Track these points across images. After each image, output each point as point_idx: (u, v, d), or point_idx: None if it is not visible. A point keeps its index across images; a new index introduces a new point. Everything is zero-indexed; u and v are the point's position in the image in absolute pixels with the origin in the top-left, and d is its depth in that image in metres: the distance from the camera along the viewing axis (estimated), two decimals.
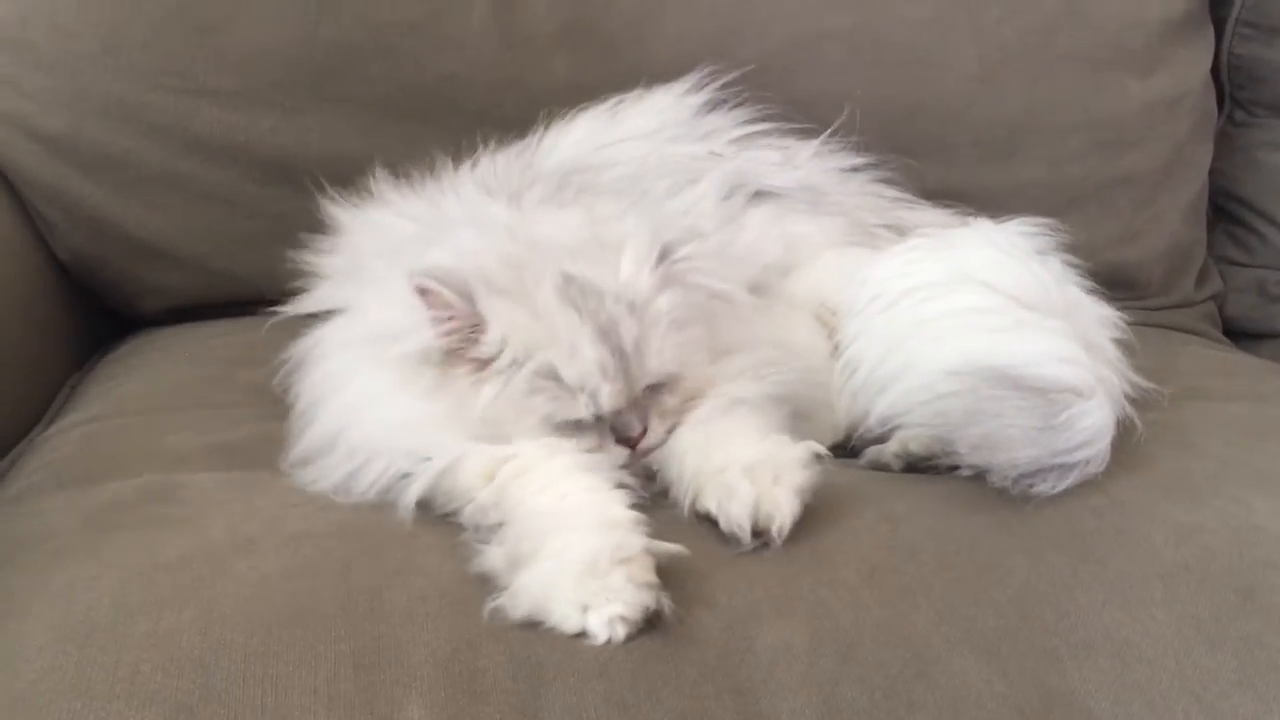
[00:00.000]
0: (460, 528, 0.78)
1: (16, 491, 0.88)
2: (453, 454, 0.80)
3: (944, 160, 1.26)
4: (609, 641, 0.68)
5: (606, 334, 0.80)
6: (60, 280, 1.21)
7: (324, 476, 0.83)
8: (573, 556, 0.71)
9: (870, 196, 1.11)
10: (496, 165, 1.03)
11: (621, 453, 0.82)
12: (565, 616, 0.69)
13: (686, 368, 0.84)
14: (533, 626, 0.70)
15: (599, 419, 0.81)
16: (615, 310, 0.81)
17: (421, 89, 1.21)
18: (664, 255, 0.84)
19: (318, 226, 1.19)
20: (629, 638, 0.69)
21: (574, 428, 0.81)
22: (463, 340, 0.81)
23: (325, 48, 1.18)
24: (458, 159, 1.05)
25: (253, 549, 0.75)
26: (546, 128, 1.09)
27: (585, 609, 0.69)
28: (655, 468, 0.83)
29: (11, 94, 1.16)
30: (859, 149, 1.13)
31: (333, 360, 0.88)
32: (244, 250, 1.21)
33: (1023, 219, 0.96)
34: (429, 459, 0.80)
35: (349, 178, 1.18)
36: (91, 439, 0.95)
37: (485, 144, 1.07)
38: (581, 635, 0.69)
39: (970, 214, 1.07)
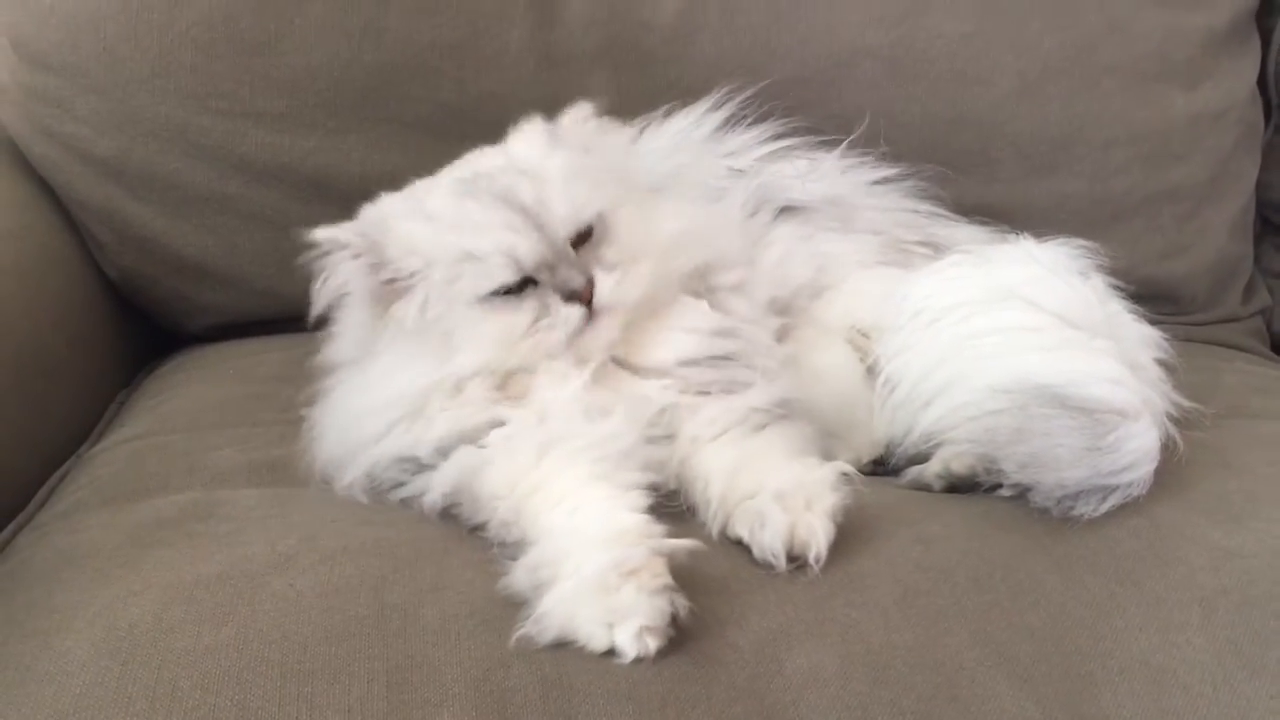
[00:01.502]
0: (490, 543, 0.79)
1: (64, 507, 0.90)
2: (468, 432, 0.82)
3: (986, 175, 1.25)
4: (639, 656, 0.69)
5: (504, 199, 0.83)
6: (109, 298, 1.24)
7: (348, 480, 0.86)
8: (585, 575, 0.71)
9: (905, 212, 1.10)
10: None
11: (574, 311, 0.82)
12: (592, 635, 0.70)
13: (611, 213, 0.85)
14: (564, 647, 0.70)
15: (537, 284, 0.82)
16: (507, 179, 0.84)
17: (461, 109, 1.22)
18: (551, 133, 0.89)
19: None
20: (662, 652, 0.69)
21: (513, 301, 0.82)
22: (373, 272, 0.84)
23: (368, 70, 1.20)
24: None
25: (290, 566, 0.76)
26: None
27: (611, 626, 0.70)
28: (675, 485, 0.83)
29: (64, 117, 1.19)
30: (890, 160, 1.13)
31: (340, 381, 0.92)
32: (288, 268, 1.21)
33: (1064, 239, 0.95)
34: (408, 409, 0.83)
35: None
36: (136, 456, 0.97)
37: None
38: (611, 653, 0.69)
39: (1007, 230, 1.06)
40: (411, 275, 0.84)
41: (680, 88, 1.23)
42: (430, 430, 0.83)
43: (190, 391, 1.10)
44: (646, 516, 0.75)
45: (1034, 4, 1.25)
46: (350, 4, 1.20)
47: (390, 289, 0.85)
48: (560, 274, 0.82)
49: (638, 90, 1.23)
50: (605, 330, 0.83)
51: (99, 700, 0.66)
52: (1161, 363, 0.93)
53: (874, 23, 1.25)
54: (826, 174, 1.09)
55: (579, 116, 0.92)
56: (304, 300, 1.23)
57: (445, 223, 0.83)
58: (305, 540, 0.79)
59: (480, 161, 0.90)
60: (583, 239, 0.84)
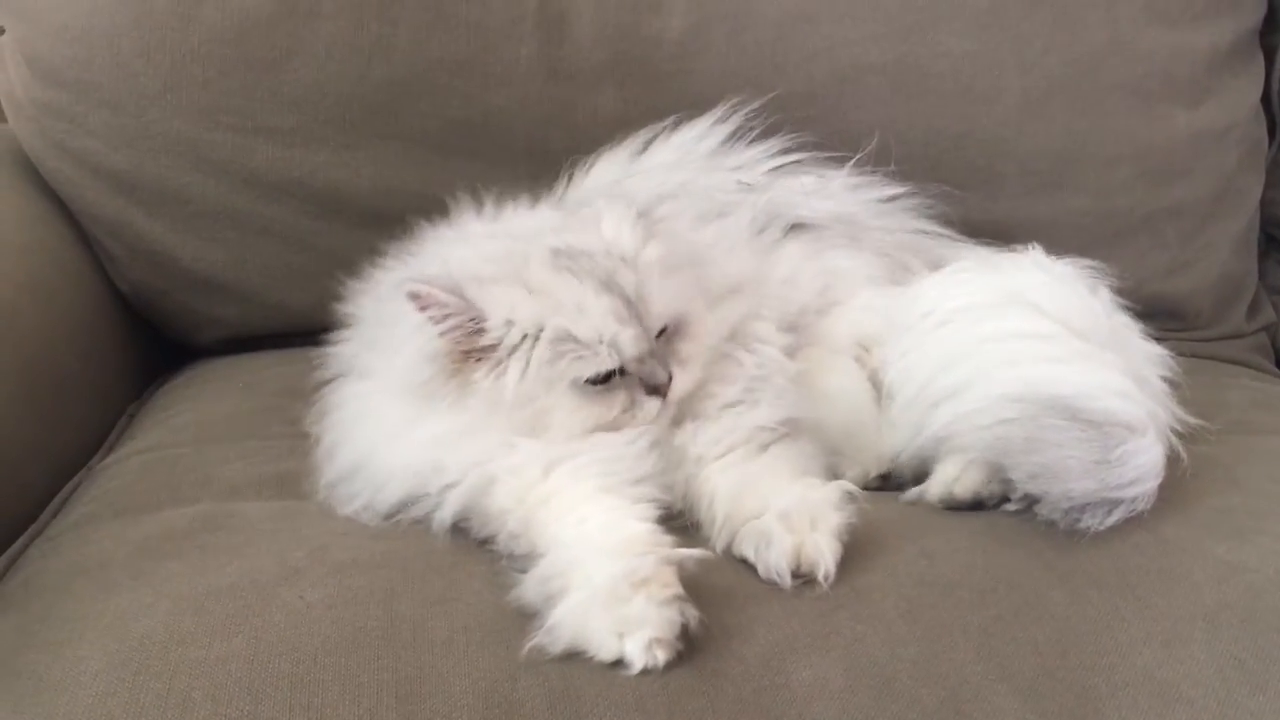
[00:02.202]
0: (499, 555, 0.79)
1: (75, 519, 0.91)
2: (483, 465, 0.82)
3: (990, 192, 1.26)
4: (647, 667, 0.69)
5: (608, 286, 0.82)
6: (120, 311, 1.25)
7: (351, 501, 0.86)
8: (596, 585, 0.72)
9: (911, 234, 1.11)
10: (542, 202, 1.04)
11: (655, 405, 0.84)
12: (602, 644, 0.70)
13: (690, 310, 0.86)
14: (571, 658, 0.70)
15: (624, 373, 0.83)
16: (609, 264, 0.83)
17: (470, 124, 1.23)
18: (642, 214, 0.87)
19: (369, 262, 1.23)
20: (669, 664, 0.69)
21: (604, 390, 0.83)
22: (466, 336, 0.82)
23: (377, 86, 1.21)
24: (505, 194, 1.07)
25: (300, 578, 0.77)
26: (588, 166, 1.11)
27: (621, 635, 0.70)
28: (681, 506, 0.84)
29: (77, 132, 1.20)
30: (897, 178, 1.14)
31: (356, 401, 0.90)
32: (298, 283, 1.24)
33: (1070, 258, 0.96)
34: (452, 475, 0.82)
35: (399, 212, 1.21)
36: (147, 468, 0.97)
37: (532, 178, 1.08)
38: (620, 663, 0.70)
39: (1014, 250, 1.07)
40: (508, 347, 0.82)
41: (687, 103, 1.24)
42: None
43: (200, 404, 1.11)
44: (655, 526, 0.76)
45: (1038, 22, 1.26)
46: (360, 21, 1.21)
47: (477, 353, 0.83)
48: (647, 367, 0.83)
49: (645, 106, 1.24)
50: (666, 415, 0.85)
51: (111, 710, 0.67)
52: (1165, 379, 0.94)
53: (879, 40, 1.26)
54: (835, 192, 1.10)
55: (667, 209, 0.92)
56: (312, 314, 1.25)
57: (550, 299, 0.82)
58: (315, 552, 0.80)
59: (570, 237, 0.86)
60: (666, 333, 0.86)
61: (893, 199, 1.13)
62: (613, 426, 0.84)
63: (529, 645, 0.71)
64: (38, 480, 0.99)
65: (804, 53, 1.26)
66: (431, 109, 1.23)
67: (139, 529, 0.86)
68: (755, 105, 1.15)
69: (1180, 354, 1.10)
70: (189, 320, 1.27)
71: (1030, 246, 0.97)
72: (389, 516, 0.84)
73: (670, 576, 0.71)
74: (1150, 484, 0.82)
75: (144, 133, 1.19)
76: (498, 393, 0.82)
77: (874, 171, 1.13)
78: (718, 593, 0.74)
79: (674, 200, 0.91)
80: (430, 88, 1.22)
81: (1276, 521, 0.82)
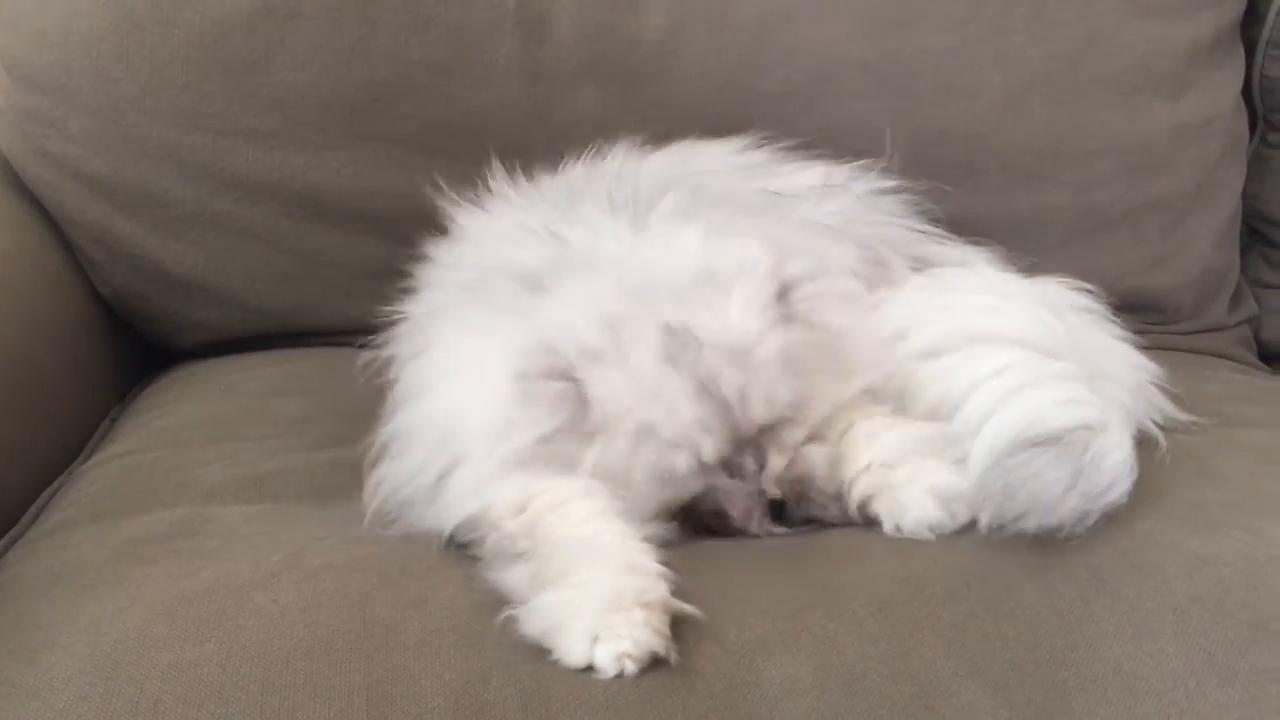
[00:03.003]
0: (475, 559, 0.79)
1: (53, 524, 0.91)
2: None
3: (971, 187, 1.26)
4: (617, 676, 0.69)
5: (705, 388, 0.80)
6: (102, 315, 1.25)
7: (397, 466, 0.85)
8: (598, 589, 0.72)
9: (897, 229, 1.11)
10: (614, 173, 1.02)
11: (740, 487, 0.83)
12: (573, 645, 0.70)
13: (806, 406, 0.84)
14: (543, 660, 0.71)
15: (707, 467, 0.82)
16: (715, 362, 0.81)
17: (450, 125, 1.23)
18: (782, 294, 0.84)
19: (351, 263, 1.23)
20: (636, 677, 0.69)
21: (678, 479, 0.82)
22: (570, 419, 0.81)
23: (357, 87, 1.21)
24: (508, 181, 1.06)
25: (275, 582, 0.77)
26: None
27: (595, 640, 0.70)
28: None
29: (57, 137, 1.20)
30: (885, 176, 1.14)
31: (460, 380, 0.86)
32: (279, 285, 1.24)
33: (1061, 279, 0.99)
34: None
35: (380, 213, 1.22)
36: (126, 472, 0.98)
37: (516, 176, 1.08)
38: (588, 669, 0.70)
39: (999, 250, 1.08)
40: (598, 424, 0.81)
41: (667, 102, 1.25)
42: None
43: (181, 408, 1.11)
44: (662, 568, 0.76)
45: (1017, 17, 1.25)
46: (339, 23, 1.21)
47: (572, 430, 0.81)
48: (735, 460, 0.82)
49: (625, 105, 1.24)
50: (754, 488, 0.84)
51: (82, 715, 0.67)
52: (1137, 368, 0.94)
53: (859, 37, 1.26)
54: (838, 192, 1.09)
55: (816, 289, 0.87)
56: (293, 316, 1.25)
57: (644, 389, 0.80)
58: (291, 556, 0.80)
59: (688, 314, 0.82)
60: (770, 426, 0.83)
61: (881, 193, 1.12)
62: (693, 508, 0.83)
63: (504, 616, 0.71)
64: (18, 485, 0.99)
65: (783, 51, 1.26)
66: (412, 110, 1.23)
67: (117, 533, 0.86)
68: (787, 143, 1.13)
69: (1162, 347, 1.12)
70: (171, 324, 1.27)
71: (983, 252, 0.99)
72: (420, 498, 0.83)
73: (667, 618, 0.72)
74: (1125, 484, 0.82)
75: (124, 137, 1.19)
76: (577, 460, 0.81)
77: (869, 168, 1.13)
78: (692, 594, 0.74)
79: (822, 278, 0.87)
80: (410, 89, 1.22)
81: (1248, 514, 0.83)
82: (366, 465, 0.88)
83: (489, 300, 0.88)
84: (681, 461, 0.81)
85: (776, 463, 0.83)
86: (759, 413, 0.82)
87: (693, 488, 0.83)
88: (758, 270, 0.84)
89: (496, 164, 1.03)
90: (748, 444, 0.83)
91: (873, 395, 0.88)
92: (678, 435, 0.81)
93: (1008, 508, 0.79)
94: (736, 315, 0.83)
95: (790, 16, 1.25)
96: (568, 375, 0.81)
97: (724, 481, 0.83)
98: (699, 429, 0.81)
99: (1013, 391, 0.85)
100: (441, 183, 1.03)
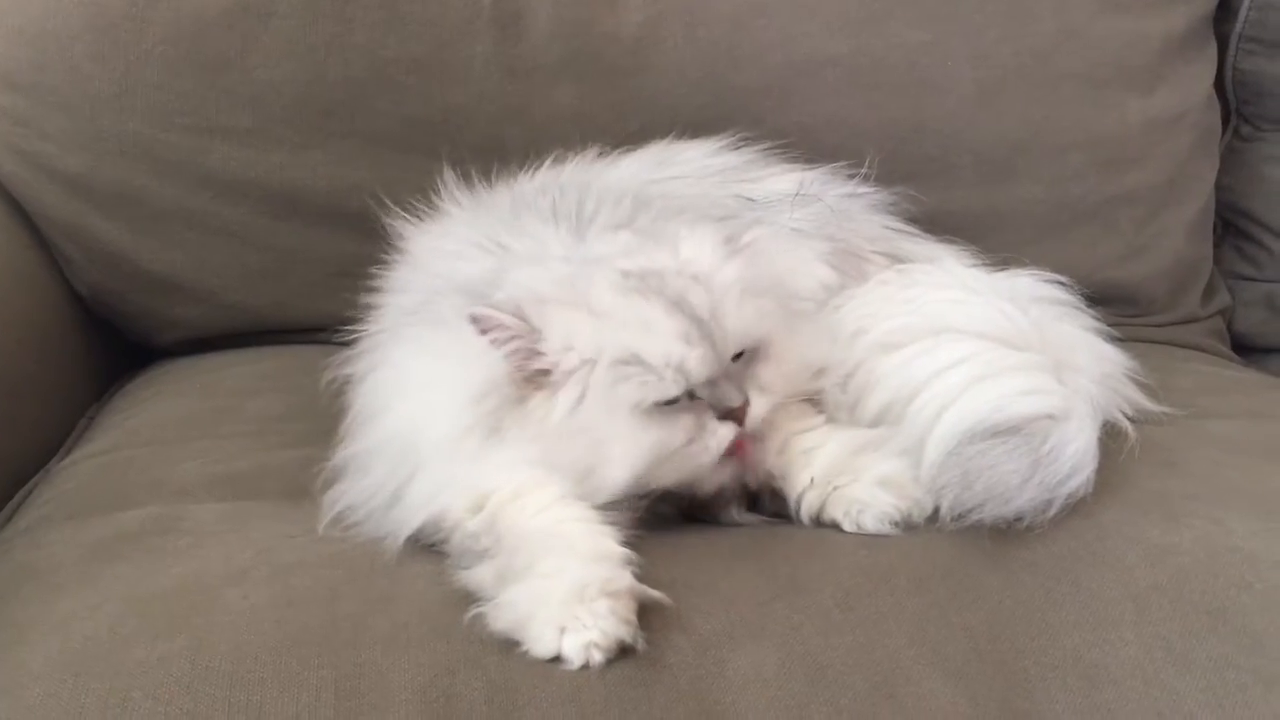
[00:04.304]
0: (444, 555, 0.80)
1: (27, 523, 0.91)
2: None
3: (945, 182, 1.26)
4: (584, 666, 0.70)
5: (678, 305, 0.79)
6: (78, 314, 1.25)
7: (356, 486, 0.84)
8: (563, 580, 0.72)
9: (867, 226, 1.11)
10: (561, 184, 1.02)
11: (728, 431, 0.80)
12: (540, 637, 0.71)
13: (772, 333, 0.83)
14: (511, 653, 0.71)
15: (693, 396, 0.79)
16: (681, 283, 0.80)
17: (427, 122, 1.23)
18: (729, 239, 0.84)
19: (327, 261, 1.24)
20: (603, 667, 0.70)
21: (670, 414, 0.79)
22: (526, 358, 0.79)
23: (333, 85, 1.22)
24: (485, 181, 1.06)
25: (245, 579, 0.78)
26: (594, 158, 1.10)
27: (563, 631, 0.71)
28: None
29: (32, 135, 1.20)
30: (865, 177, 1.14)
31: (415, 399, 0.85)
32: (255, 283, 1.25)
33: (1035, 272, 1.00)
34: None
35: (357, 210, 1.22)
36: (101, 471, 0.98)
37: (494, 175, 1.08)
38: (556, 660, 0.71)
39: (973, 248, 1.09)
40: (566, 371, 0.79)
41: (644, 98, 1.25)
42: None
43: (157, 406, 1.12)
44: (628, 552, 0.76)
45: (990, 12, 1.26)
46: (314, 20, 1.21)
47: (533, 379, 0.80)
48: (719, 390, 0.79)
49: (602, 102, 1.25)
50: (746, 453, 0.82)
51: (52, 712, 0.68)
52: (1105, 359, 0.95)
53: (834, 32, 1.26)
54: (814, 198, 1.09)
55: (757, 234, 0.89)
56: (270, 314, 1.26)
57: (613, 320, 0.79)
58: (262, 554, 0.81)
59: (643, 259, 0.83)
60: (739, 355, 0.82)
61: (852, 198, 1.13)
62: (681, 458, 0.80)
63: (472, 614, 0.71)
64: None
65: (759, 46, 1.26)
66: (388, 107, 1.23)
67: (90, 531, 0.86)
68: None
69: (1135, 340, 1.13)
70: (148, 322, 1.27)
71: (956, 249, 1.00)
72: (378, 509, 0.83)
73: (634, 605, 0.72)
74: (1086, 472, 0.83)
75: (99, 135, 1.20)
76: (543, 424, 0.79)
77: (848, 172, 1.13)
78: (658, 585, 0.74)
79: (760, 225, 0.87)
80: (386, 86, 1.23)
81: (1210, 504, 0.83)
82: (320, 487, 0.87)
83: (435, 320, 0.87)
84: (670, 382, 0.78)
85: (759, 401, 0.81)
86: (733, 329, 0.80)
87: (685, 433, 0.79)
88: (701, 224, 0.85)
89: (448, 174, 1.04)
90: (725, 374, 0.80)
91: (816, 403, 0.88)
92: (661, 351, 0.78)
93: (965, 497, 0.80)
94: (690, 251, 0.83)
95: (766, 12, 1.26)
96: (516, 311, 0.79)
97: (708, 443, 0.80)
98: (682, 341, 0.78)
99: (972, 382, 0.86)
100: (385, 198, 1.03)
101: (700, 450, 0.80)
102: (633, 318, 0.79)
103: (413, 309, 0.92)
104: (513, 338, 0.79)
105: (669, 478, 0.81)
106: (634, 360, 0.78)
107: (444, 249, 0.96)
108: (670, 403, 0.79)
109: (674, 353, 0.78)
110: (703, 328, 0.79)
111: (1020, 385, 0.85)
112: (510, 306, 0.80)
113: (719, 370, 0.80)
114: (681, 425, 0.80)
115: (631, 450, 0.79)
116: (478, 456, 0.81)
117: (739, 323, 0.81)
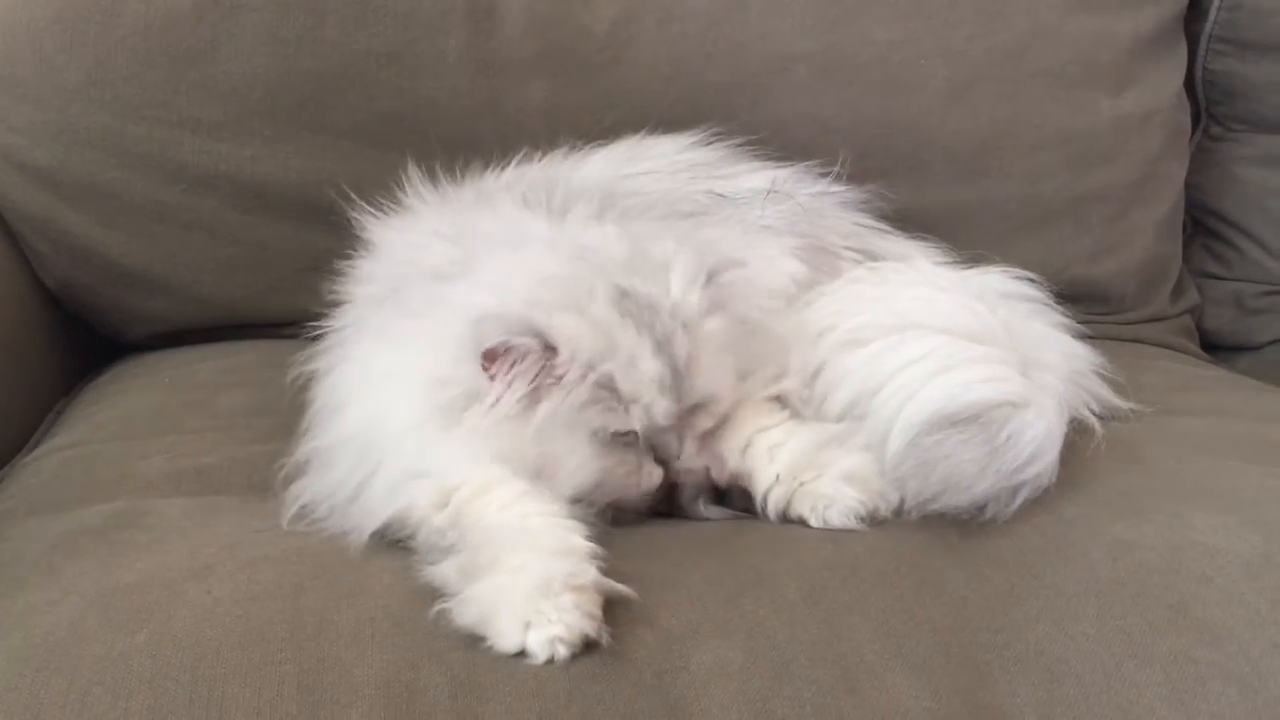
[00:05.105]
0: (410, 551, 0.80)
1: None
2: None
3: (917, 179, 1.27)
4: (549, 661, 0.70)
5: (663, 348, 0.81)
6: (48, 308, 1.24)
7: (319, 482, 0.84)
8: (527, 575, 0.72)
9: (840, 221, 1.11)
10: (528, 179, 1.03)
11: (659, 474, 0.83)
12: (505, 632, 0.71)
13: (726, 391, 0.85)
14: (474, 647, 0.71)
15: (641, 437, 0.82)
16: (670, 326, 0.82)
17: (399, 116, 1.23)
18: (711, 277, 0.85)
19: (298, 254, 1.23)
20: (567, 661, 0.70)
21: (618, 443, 0.82)
22: (543, 377, 0.80)
23: (304, 78, 1.21)
24: (454, 177, 1.06)
25: (209, 573, 0.77)
26: (563, 156, 1.10)
27: (528, 626, 0.71)
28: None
29: (1, 128, 1.19)
30: (837, 175, 1.14)
31: (376, 392, 0.85)
32: (226, 277, 1.24)
33: (1005, 269, 1.01)
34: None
35: (328, 204, 1.21)
36: (67, 465, 0.97)
37: (465, 170, 1.08)
38: (521, 655, 0.70)
39: (946, 246, 1.09)
40: (560, 379, 0.80)
41: (617, 93, 1.25)
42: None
43: (125, 400, 1.11)
44: (592, 545, 0.76)
45: (962, 10, 1.27)
46: (286, 13, 1.21)
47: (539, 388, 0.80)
48: (664, 438, 0.83)
49: (575, 97, 1.25)
50: (666, 484, 0.84)
51: (10, 706, 0.67)
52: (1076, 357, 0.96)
53: (807, 29, 1.27)
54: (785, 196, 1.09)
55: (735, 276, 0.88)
56: (241, 308, 1.25)
57: (609, 340, 0.80)
58: (226, 548, 0.80)
59: (638, 281, 0.83)
60: (694, 406, 0.84)
61: (827, 194, 1.13)
62: (616, 485, 0.83)
63: (437, 609, 0.71)
64: None
65: (733, 42, 1.27)
66: (360, 101, 1.23)
67: (54, 526, 0.86)
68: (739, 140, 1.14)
69: (1105, 337, 1.14)
70: (118, 316, 1.26)
71: (927, 246, 1.01)
72: (340, 504, 0.83)
73: (599, 599, 0.72)
74: (1048, 458, 0.83)
75: (68, 127, 1.19)
76: (521, 423, 0.80)
77: (821, 171, 1.13)
78: (624, 579, 0.74)
79: (740, 267, 0.87)
80: (359, 80, 1.22)
81: (1173, 500, 0.84)
82: (282, 482, 0.86)
83: (402, 309, 0.88)
84: (633, 418, 0.80)
85: (691, 452, 0.84)
86: (700, 386, 0.82)
87: (622, 467, 0.82)
88: (686, 255, 0.85)
89: (413, 170, 1.03)
90: (674, 426, 0.83)
91: (780, 400, 0.89)
92: (636, 389, 0.80)
93: (924, 487, 0.81)
94: (679, 290, 0.84)
95: (740, 8, 1.26)
96: (530, 329, 0.80)
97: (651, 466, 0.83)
98: (656, 386, 0.81)
99: (934, 374, 0.86)
100: (351, 192, 1.03)
101: (633, 485, 0.83)
102: (623, 345, 0.81)
103: (379, 299, 0.92)
104: (530, 361, 0.80)
105: (599, 496, 0.83)
106: (610, 386, 0.81)
107: (410, 241, 0.96)
108: (623, 434, 0.82)
109: (646, 396, 0.81)
110: (676, 379, 0.81)
111: (980, 374, 0.86)
112: (522, 326, 0.80)
113: (674, 423, 0.82)
114: (624, 458, 0.83)
115: (579, 471, 0.81)
116: (438, 445, 0.81)
117: (706, 382, 0.83)
